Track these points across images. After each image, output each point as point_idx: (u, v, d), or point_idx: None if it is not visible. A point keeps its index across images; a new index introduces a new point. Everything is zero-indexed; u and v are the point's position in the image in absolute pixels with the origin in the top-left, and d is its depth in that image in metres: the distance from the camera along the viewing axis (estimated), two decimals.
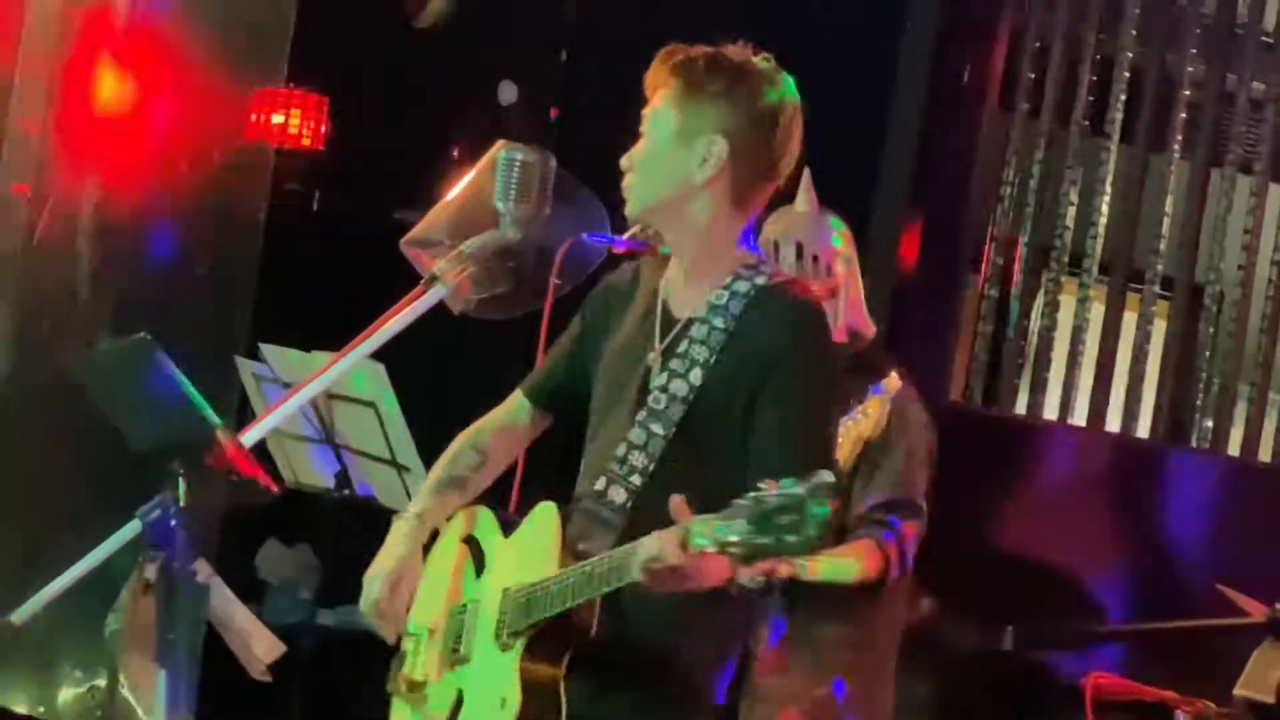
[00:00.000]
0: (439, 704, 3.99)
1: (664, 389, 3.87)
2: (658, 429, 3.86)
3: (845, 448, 4.66)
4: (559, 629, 3.77)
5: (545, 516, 3.92)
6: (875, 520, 4.94)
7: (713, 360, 3.85)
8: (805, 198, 5.07)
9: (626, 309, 4.03)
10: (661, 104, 3.88)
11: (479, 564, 4.06)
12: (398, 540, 4.09)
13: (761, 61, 3.90)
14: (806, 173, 5.01)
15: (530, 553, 3.89)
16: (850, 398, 4.82)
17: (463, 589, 4.05)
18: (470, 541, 4.10)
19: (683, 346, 3.88)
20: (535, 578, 3.82)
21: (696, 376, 3.85)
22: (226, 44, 6.82)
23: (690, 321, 3.89)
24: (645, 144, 3.89)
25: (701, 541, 3.45)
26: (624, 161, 3.92)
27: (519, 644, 3.80)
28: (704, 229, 3.90)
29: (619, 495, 3.86)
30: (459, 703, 3.94)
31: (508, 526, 4.04)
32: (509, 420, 4.21)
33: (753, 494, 3.40)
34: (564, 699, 3.75)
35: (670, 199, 3.88)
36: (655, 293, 3.98)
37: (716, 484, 3.68)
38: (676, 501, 3.54)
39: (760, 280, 3.88)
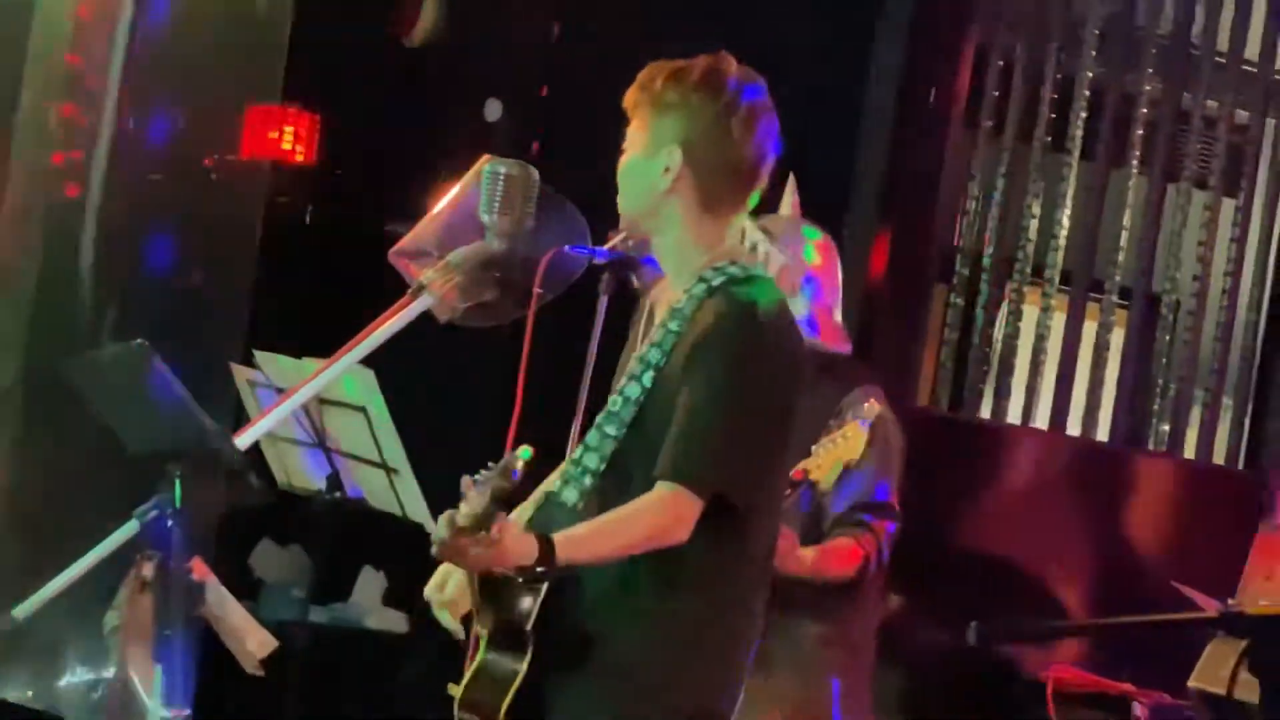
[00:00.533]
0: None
1: (621, 392, 3.88)
2: (610, 430, 3.86)
3: (825, 469, 4.64)
4: (503, 627, 3.80)
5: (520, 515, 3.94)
6: (853, 521, 4.94)
7: (662, 362, 3.85)
8: (788, 203, 5.08)
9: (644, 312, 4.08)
10: (635, 121, 3.92)
11: None
12: None
13: (725, 65, 3.90)
14: (791, 179, 5.02)
15: None
16: (821, 407, 4.81)
17: None
18: None
19: (643, 350, 3.90)
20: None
21: (648, 379, 3.86)
22: (223, 63, 6.80)
23: (657, 327, 3.90)
24: (625, 157, 3.93)
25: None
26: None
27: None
28: (677, 234, 3.91)
29: (571, 496, 3.87)
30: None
31: None
32: None
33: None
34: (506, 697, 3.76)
35: (644, 209, 3.92)
36: (648, 302, 4.02)
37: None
38: (465, 482, 3.56)
39: (718, 281, 3.86)
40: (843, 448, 4.69)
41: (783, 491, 4.19)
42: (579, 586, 3.79)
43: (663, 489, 3.75)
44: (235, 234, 6.85)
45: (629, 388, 3.86)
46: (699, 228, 3.91)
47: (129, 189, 6.61)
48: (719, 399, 3.77)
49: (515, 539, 3.62)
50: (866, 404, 4.79)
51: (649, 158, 3.88)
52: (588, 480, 3.86)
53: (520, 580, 3.72)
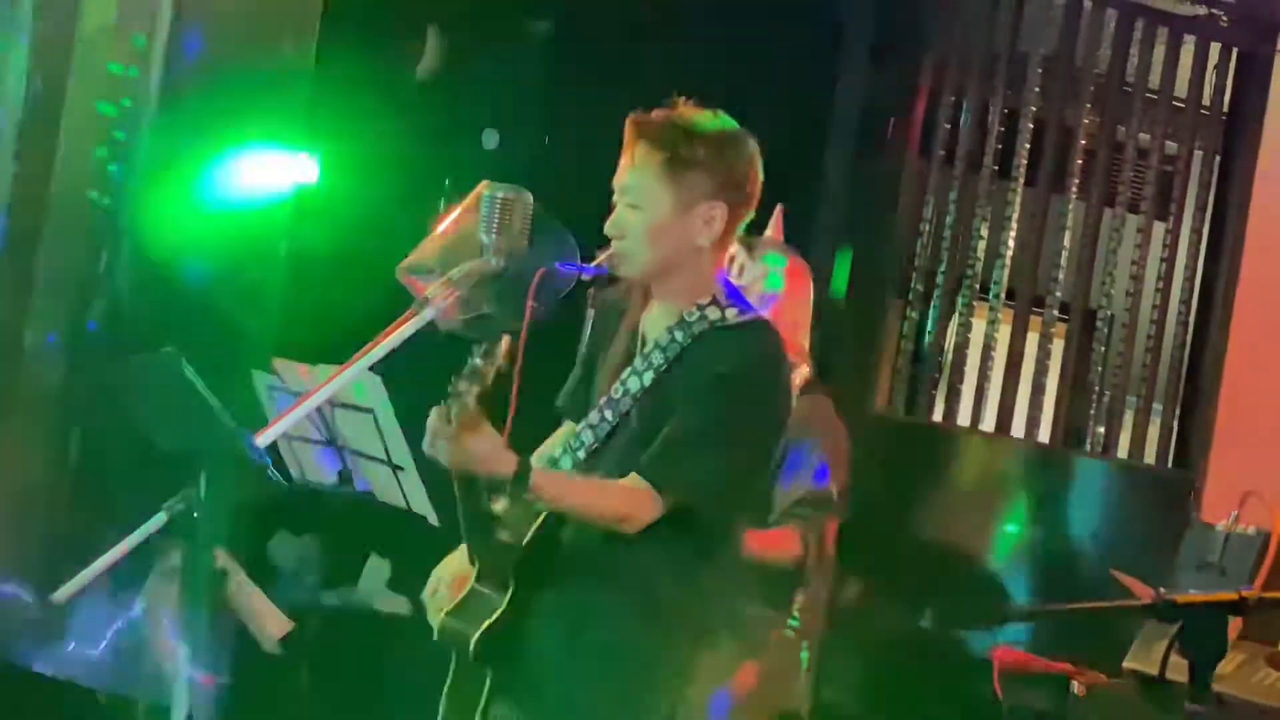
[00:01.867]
0: None
1: (624, 383, 3.90)
2: (608, 415, 3.89)
3: None
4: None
5: None
6: (797, 513, 4.94)
7: (664, 367, 3.86)
8: (773, 226, 5.10)
9: (618, 330, 4.03)
10: (648, 178, 3.82)
11: None
12: None
13: (723, 121, 3.87)
14: (779, 208, 5.04)
15: None
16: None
17: None
18: None
19: (647, 349, 3.90)
20: None
21: (648, 379, 3.87)
22: (250, 102, 6.79)
23: (661, 332, 3.90)
24: (641, 217, 3.84)
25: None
26: (612, 230, 3.88)
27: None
28: (694, 273, 3.89)
29: (566, 463, 3.91)
30: None
31: None
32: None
33: None
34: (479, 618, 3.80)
35: (673, 264, 3.87)
36: (637, 324, 3.98)
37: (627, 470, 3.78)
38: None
39: (730, 313, 3.87)
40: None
41: (766, 503, 4.23)
42: (562, 540, 3.83)
43: (636, 482, 3.76)
44: (259, 258, 6.82)
45: (630, 380, 3.88)
46: (712, 264, 3.91)
47: (165, 213, 6.59)
48: (717, 430, 3.78)
49: (500, 447, 3.65)
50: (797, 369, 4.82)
51: (682, 215, 3.82)
52: (581, 454, 3.91)
53: (492, 495, 3.77)
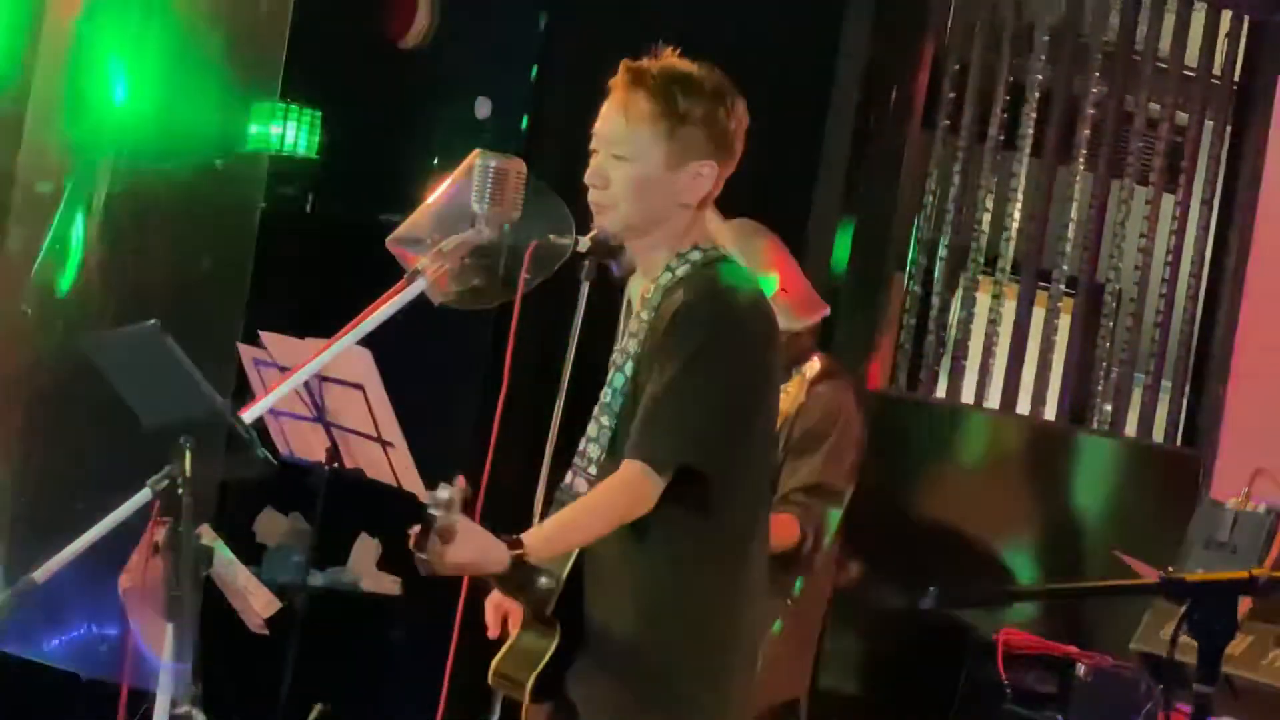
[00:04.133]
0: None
1: (610, 383, 3.80)
2: (606, 422, 3.78)
3: None
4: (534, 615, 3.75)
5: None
6: (798, 501, 4.94)
7: (639, 350, 3.76)
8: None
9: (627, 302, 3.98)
10: (641, 130, 3.72)
11: None
12: None
13: (717, 76, 3.79)
14: None
15: None
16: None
17: None
18: None
19: (623, 342, 3.84)
20: None
21: (629, 368, 3.77)
22: (228, 61, 6.76)
23: (634, 317, 3.83)
24: (628, 169, 3.74)
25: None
26: (595, 180, 3.77)
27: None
28: (673, 233, 3.79)
29: (581, 487, 3.77)
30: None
31: None
32: None
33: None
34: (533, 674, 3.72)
35: (658, 219, 3.77)
36: (629, 293, 3.93)
37: None
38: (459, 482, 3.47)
39: (683, 269, 3.76)
40: (784, 401, 4.69)
41: (766, 458, 4.07)
42: (588, 570, 3.73)
43: (626, 467, 3.64)
44: (238, 222, 6.81)
45: (615, 379, 3.79)
46: (692, 226, 3.81)
47: (137, 177, 6.57)
48: (679, 376, 3.64)
49: (482, 549, 3.52)
50: (808, 362, 4.80)
51: (672, 169, 3.73)
52: (594, 470, 3.77)
53: (509, 580, 3.63)
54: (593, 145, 3.82)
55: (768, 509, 3.95)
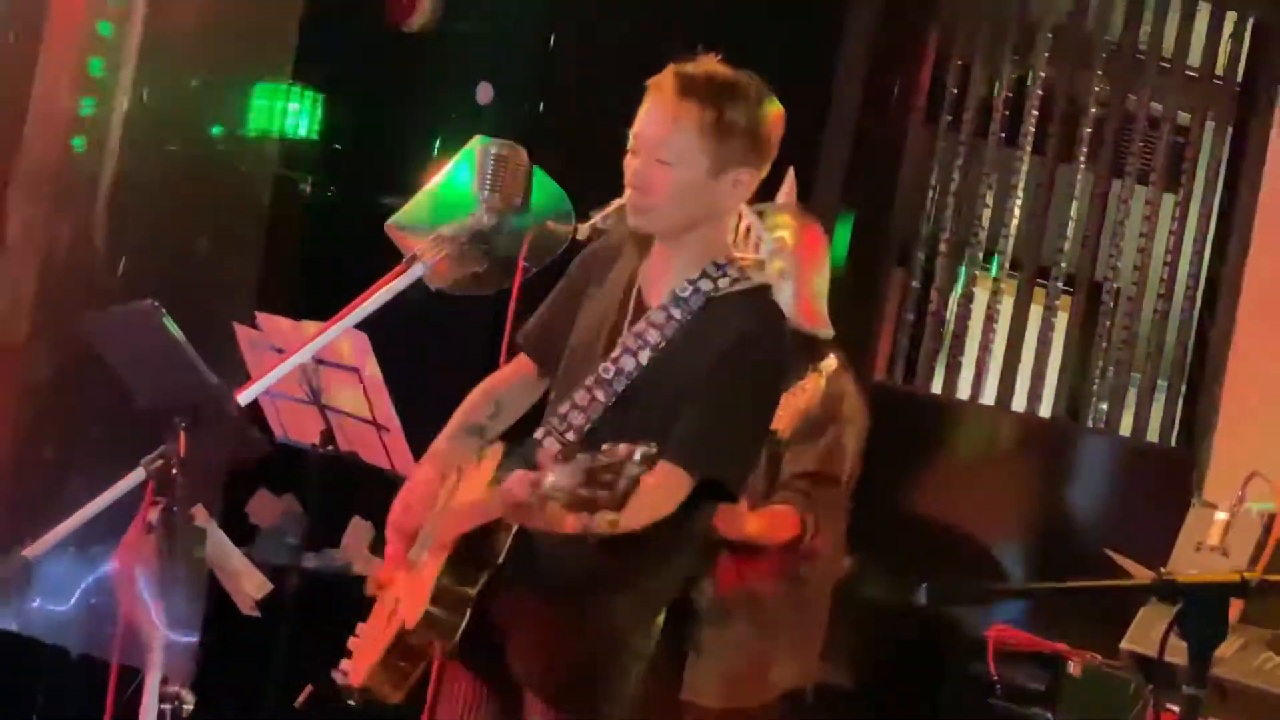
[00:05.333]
0: (389, 603, 4.00)
1: (615, 361, 3.82)
2: (599, 395, 3.82)
3: (785, 419, 4.65)
4: (473, 551, 3.75)
5: (493, 453, 3.92)
6: (798, 489, 4.94)
7: (662, 344, 3.81)
8: (784, 191, 5.10)
9: (605, 279, 3.98)
10: (689, 137, 3.76)
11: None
12: (414, 472, 4.11)
13: (760, 84, 3.84)
14: (790, 171, 5.04)
15: (474, 482, 3.89)
16: (793, 376, 4.84)
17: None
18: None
19: (639, 326, 3.84)
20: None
21: (644, 357, 3.81)
22: (237, 44, 6.77)
23: (655, 308, 3.85)
24: (673, 175, 3.77)
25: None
26: (638, 184, 3.80)
27: (443, 556, 3.79)
28: (705, 234, 3.86)
29: (553, 446, 3.82)
30: (397, 604, 3.94)
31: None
32: (517, 376, 4.15)
33: (591, 451, 3.39)
34: (465, 613, 3.74)
35: (695, 223, 3.83)
36: (634, 276, 3.93)
37: None
38: (546, 452, 3.53)
39: (724, 282, 3.83)
40: (800, 398, 4.70)
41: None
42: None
43: (665, 470, 3.66)
44: (243, 204, 6.81)
45: (624, 360, 3.82)
46: (723, 227, 3.93)
47: (143, 156, 6.57)
48: (741, 404, 3.79)
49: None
50: (825, 359, 4.81)
51: (714, 177, 3.78)
52: (570, 436, 3.82)
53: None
54: (634, 146, 3.85)
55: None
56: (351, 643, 4.10)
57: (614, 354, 3.83)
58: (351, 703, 4.01)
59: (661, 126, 3.78)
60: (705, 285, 3.83)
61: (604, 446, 3.35)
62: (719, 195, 3.81)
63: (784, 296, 4.87)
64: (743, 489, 3.91)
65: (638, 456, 3.32)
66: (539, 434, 3.86)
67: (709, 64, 3.82)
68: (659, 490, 3.67)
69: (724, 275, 3.84)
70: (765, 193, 5.07)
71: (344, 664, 4.06)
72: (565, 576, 3.80)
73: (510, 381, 4.15)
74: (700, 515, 3.89)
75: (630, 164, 3.83)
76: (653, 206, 3.80)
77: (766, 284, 3.96)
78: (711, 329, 3.79)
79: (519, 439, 3.99)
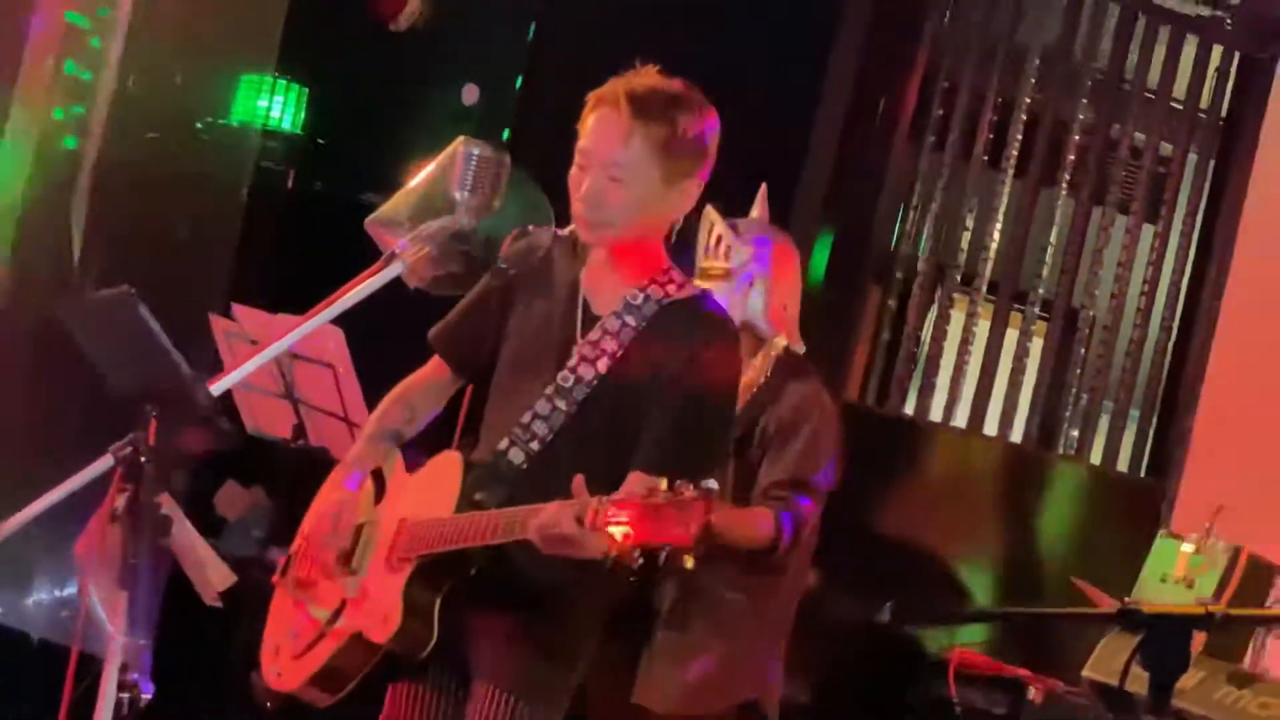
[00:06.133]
0: (322, 604, 4.01)
1: (574, 370, 3.88)
2: (561, 404, 3.87)
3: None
4: (445, 562, 3.79)
5: (449, 463, 3.95)
6: (776, 495, 4.93)
7: (619, 352, 3.87)
8: (758, 207, 5.13)
9: (540, 286, 4.01)
10: (643, 155, 3.82)
11: (379, 493, 4.08)
12: (331, 484, 4.15)
13: (699, 95, 3.89)
14: (763, 188, 5.08)
15: (431, 492, 3.91)
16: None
17: (360, 512, 4.05)
18: (376, 474, 4.12)
19: (595, 335, 3.89)
20: (432, 515, 3.84)
21: (603, 365, 3.87)
22: (221, 35, 6.76)
23: (608, 316, 3.90)
24: (626, 191, 3.83)
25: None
26: (591, 202, 3.85)
27: (408, 569, 3.82)
28: (649, 245, 3.94)
29: (518, 457, 3.87)
30: (341, 607, 3.95)
31: (413, 466, 4.07)
32: (433, 378, 4.20)
33: (648, 486, 3.43)
34: (436, 623, 3.78)
35: (643, 233, 3.92)
36: (575, 284, 3.97)
37: (604, 461, 3.75)
38: (578, 481, 3.57)
39: (672, 288, 3.91)
40: (748, 373, 4.72)
41: None
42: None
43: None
44: (222, 194, 6.81)
45: (583, 369, 3.88)
46: (661, 234, 3.95)
47: (126, 144, 6.56)
48: (713, 418, 3.87)
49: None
50: (775, 336, 4.85)
51: (666, 191, 3.86)
52: (535, 445, 3.87)
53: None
54: (581, 162, 3.90)
55: None
56: (269, 642, 4.11)
57: (571, 363, 3.89)
58: (268, 705, 4.03)
59: (614, 145, 3.84)
60: (656, 292, 3.90)
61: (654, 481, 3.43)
62: (670, 205, 3.90)
63: (755, 302, 4.93)
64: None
65: (691, 493, 3.38)
66: (503, 445, 3.90)
67: (651, 77, 3.88)
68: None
69: (671, 281, 3.92)
70: (739, 208, 5.11)
71: (270, 665, 4.06)
72: (531, 579, 3.81)
73: (425, 384, 4.21)
74: None
75: (578, 179, 3.89)
76: (607, 222, 3.88)
77: (709, 289, 4.07)
78: (669, 335, 3.86)
79: (470, 441, 4.04)
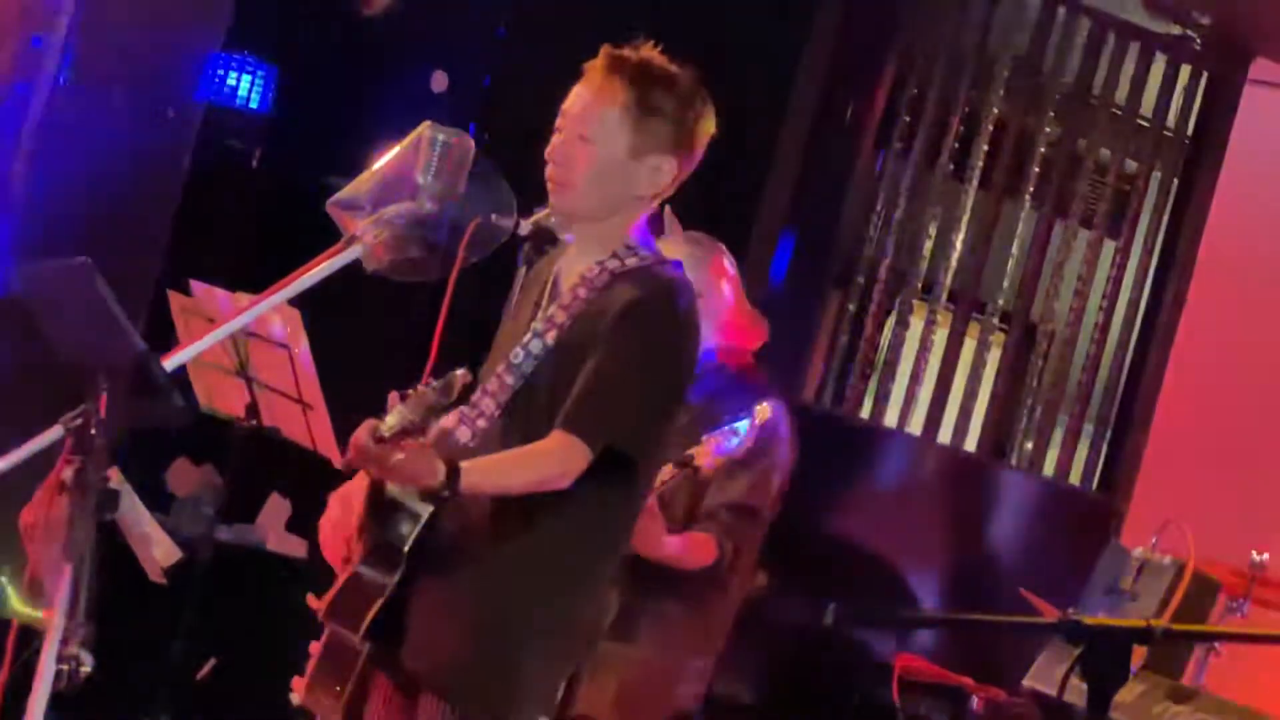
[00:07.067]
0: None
1: (525, 346, 3.85)
2: (509, 380, 3.84)
3: (708, 455, 4.62)
4: (382, 545, 3.80)
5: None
6: (720, 519, 4.95)
7: (568, 324, 3.83)
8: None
9: (528, 280, 4.01)
10: (611, 115, 3.82)
11: None
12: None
13: (693, 77, 3.88)
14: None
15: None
16: (724, 409, 4.82)
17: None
18: None
19: (550, 310, 3.87)
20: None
21: (552, 338, 3.84)
22: (186, 8, 6.73)
23: (564, 291, 3.88)
24: (592, 151, 3.82)
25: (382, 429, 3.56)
26: (557, 158, 3.85)
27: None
28: (618, 224, 3.89)
29: (464, 435, 3.84)
30: None
31: None
32: None
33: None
34: (370, 610, 3.77)
35: (608, 206, 3.87)
36: (550, 272, 3.97)
37: (547, 428, 3.74)
38: (392, 396, 3.59)
39: (631, 260, 3.86)
40: (733, 442, 4.70)
41: (663, 458, 4.22)
42: (456, 516, 3.79)
43: (561, 439, 3.73)
44: (167, 167, 6.77)
45: (533, 343, 3.84)
46: (634, 216, 3.91)
47: (76, 119, 6.52)
48: (628, 366, 3.76)
49: (427, 458, 3.63)
50: (759, 405, 4.80)
51: (632, 160, 3.84)
52: (481, 423, 3.84)
53: (414, 500, 3.75)
54: (559, 123, 3.90)
55: (641, 509, 4.07)
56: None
57: (524, 339, 3.87)
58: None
59: (586, 103, 3.84)
60: (613, 264, 3.86)
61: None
62: (637, 179, 3.85)
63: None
64: (646, 454, 3.87)
65: (440, 382, 3.47)
66: (451, 421, 3.86)
67: (646, 51, 3.88)
68: (549, 456, 3.72)
69: (632, 255, 3.87)
70: (700, 211, 5.09)
71: (295, 681, 4.06)
72: (461, 565, 3.80)
73: None
74: (610, 502, 3.87)
75: (554, 141, 3.88)
76: (571, 183, 3.84)
77: (664, 259, 3.93)
78: (610, 300, 3.81)
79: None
